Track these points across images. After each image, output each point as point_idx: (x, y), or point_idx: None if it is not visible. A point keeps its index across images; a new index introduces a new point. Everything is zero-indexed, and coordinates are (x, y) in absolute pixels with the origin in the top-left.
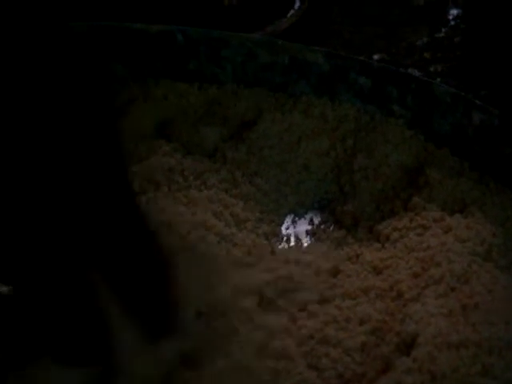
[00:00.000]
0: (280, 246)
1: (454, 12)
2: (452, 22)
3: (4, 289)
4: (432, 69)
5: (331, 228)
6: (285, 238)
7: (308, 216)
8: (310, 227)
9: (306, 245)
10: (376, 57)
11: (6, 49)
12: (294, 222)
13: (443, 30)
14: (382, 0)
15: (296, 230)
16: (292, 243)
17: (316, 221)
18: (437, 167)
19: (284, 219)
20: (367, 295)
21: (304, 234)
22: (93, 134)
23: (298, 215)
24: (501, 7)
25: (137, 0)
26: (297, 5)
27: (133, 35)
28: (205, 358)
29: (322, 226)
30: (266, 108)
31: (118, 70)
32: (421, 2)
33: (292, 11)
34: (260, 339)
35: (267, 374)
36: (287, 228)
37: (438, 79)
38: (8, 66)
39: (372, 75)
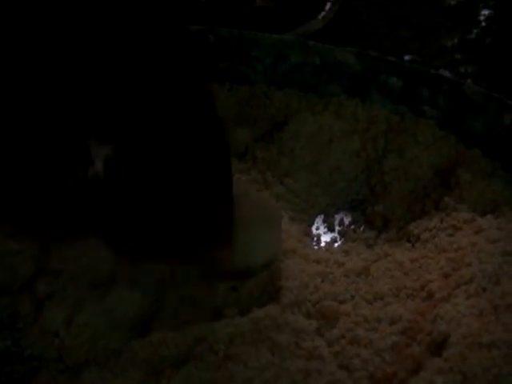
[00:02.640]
0: (310, 246)
1: (485, 13)
2: (483, 23)
3: None
4: (463, 70)
5: (362, 228)
6: (315, 238)
7: (339, 216)
8: (340, 227)
9: (336, 245)
10: (407, 58)
11: None
12: (324, 222)
13: (474, 31)
14: (413, 1)
15: (326, 231)
16: (322, 243)
17: (346, 221)
18: (468, 168)
19: (315, 219)
20: (398, 295)
21: (334, 235)
22: None
23: (329, 216)
24: None
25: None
26: (328, 6)
27: None
28: (234, 358)
29: (353, 227)
30: (296, 109)
31: None
32: (452, 2)
33: (323, 12)
34: (290, 340)
35: (298, 374)
36: (317, 228)
37: (469, 80)
38: None
39: (403, 76)
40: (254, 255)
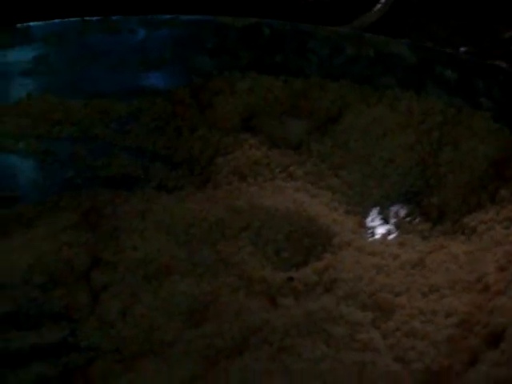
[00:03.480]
0: (365, 238)
1: None
2: None
3: None
4: None
5: (417, 220)
6: (370, 230)
7: (393, 209)
8: (395, 220)
9: (391, 237)
10: (462, 49)
11: None
12: (379, 214)
13: None
14: None
15: (381, 223)
16: (377, 235)
17: (401, 213)
18: None
19: (369, 212)
20: (453, 288)
21: (389, 227)
22: None
23: (384, 208)
24: None
25: None
26: None
27: (220, 28)
28: (289, 350)
29: (408, 219)
30: (351, 101)
31: (205, 63)
32: None
33: (379, 5)
34: (345, 332)
35: (353, 366)
36: (373, 220)
37: None
38: None
39: (458, 67)
40: None
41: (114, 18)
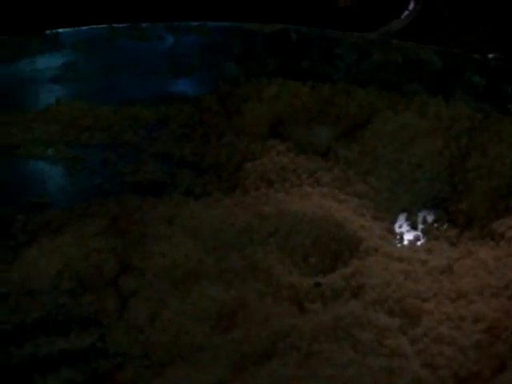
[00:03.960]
0: (393, 244)
1: None
2: None
3: None
4: None
5: (445, 226)
6: (398, 236)
7: (421, 214)
8: (423, 226)
9: (419, 243)
10: (490, 55)
11: None
12: (407, 220)
13: None
14: None
15: (409, 229)
16: (405, 241)
17: (429, 219)
18: None
19: (397, 217)
20: (482, 294)
21: (417, 233)
22: None
23: (411, 214)
24: None
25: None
26: (411, 6)
27: (247, 34)
28: (316, 355)
29: (436, 225)
30: (379, 107)
31: (232, 70)
32: None
33: (406, 12)
34: (373, 338)
35: (381, 372)
36: (400, 226)
37: None
38: None
39: (487, 73)
40: None
41: (142, 24)
